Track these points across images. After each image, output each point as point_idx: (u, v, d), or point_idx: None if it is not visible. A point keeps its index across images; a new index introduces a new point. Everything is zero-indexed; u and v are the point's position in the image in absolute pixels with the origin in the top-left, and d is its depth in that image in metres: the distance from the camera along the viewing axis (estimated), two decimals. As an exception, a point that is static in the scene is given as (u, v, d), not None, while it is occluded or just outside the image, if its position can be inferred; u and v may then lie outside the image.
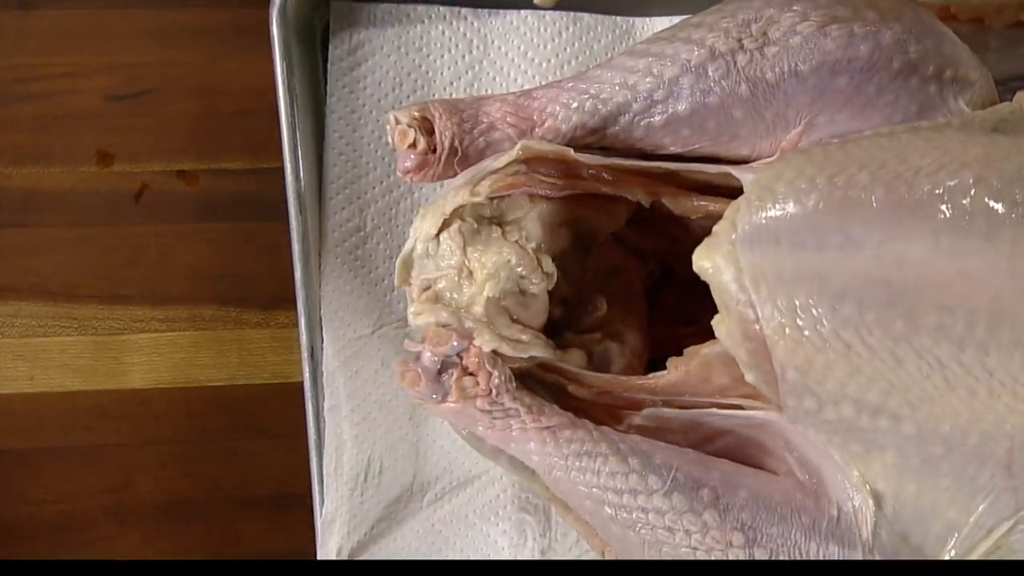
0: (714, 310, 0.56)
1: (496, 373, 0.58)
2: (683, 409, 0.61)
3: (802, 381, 0.52)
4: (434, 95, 0.83)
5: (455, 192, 0.61)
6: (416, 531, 0.79)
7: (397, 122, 0.64)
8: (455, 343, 0.58)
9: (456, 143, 0.64)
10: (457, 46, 0.83)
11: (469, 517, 0.79)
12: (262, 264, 0.85)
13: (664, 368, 0.62)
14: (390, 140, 0.65)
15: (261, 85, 0.83)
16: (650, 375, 0.61)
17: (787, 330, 0.51)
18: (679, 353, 0.62)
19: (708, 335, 0.58)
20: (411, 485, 0.80)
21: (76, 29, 0.85)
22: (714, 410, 0.60)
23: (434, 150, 0.64)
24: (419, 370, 0.58)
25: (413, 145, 0.64)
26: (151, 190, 0.86)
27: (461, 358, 0.58)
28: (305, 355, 0.77)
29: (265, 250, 0.85)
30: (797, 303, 0.50)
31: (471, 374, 0.58)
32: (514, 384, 0.59)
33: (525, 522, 0.79)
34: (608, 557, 0.66)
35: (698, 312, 0.61)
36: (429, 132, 0.64)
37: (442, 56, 0.83)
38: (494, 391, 0.57)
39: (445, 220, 0.61)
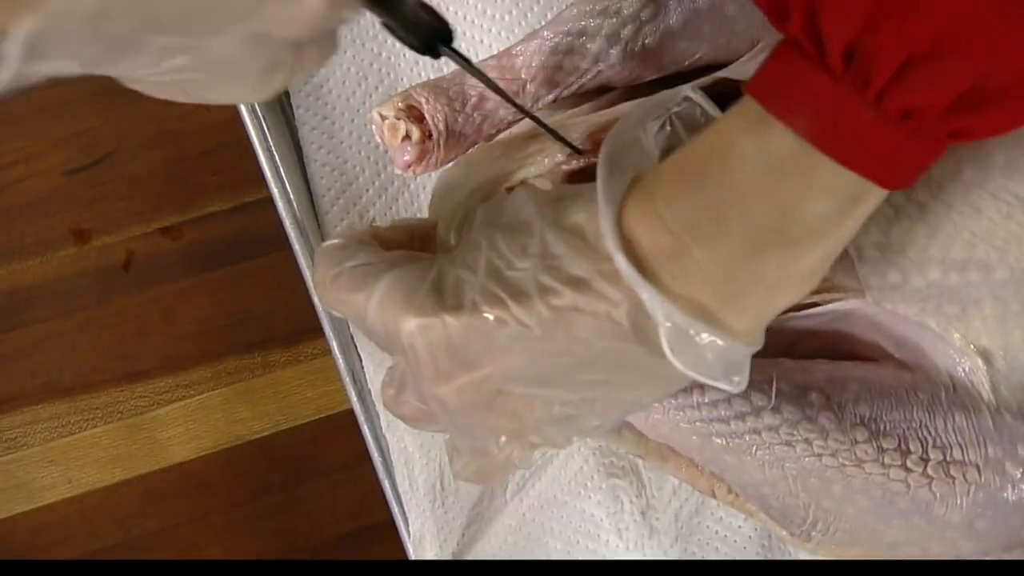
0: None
1: None
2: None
3: (881, 256, 0.53)
4: (402, 79, 0.83)
5: None
6: (508, 526, 0.80)
7: (383, 118, 0.64)
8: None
9: (451, 124, 0.64)
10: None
11: (558, 497, 0.80)
12: (274, 300, 0.86)
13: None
14: (380, 139, 0.65)
15: (222, 117, 0.84)
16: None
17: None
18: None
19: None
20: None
21: (16, 111, 0.85)
22: (792, 314, 0.61)
23: (430, 136, 0.64)
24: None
25: (407, 137, 0.64)
26: (138, 256, 0.86)
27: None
28: (347, 380, 0.77)
29: (273, 285, 0.86)
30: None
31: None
32: None
33: (617, 487, 0.80)
34: (719, 496, 0.67)
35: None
36: (419, 119, 0.64)
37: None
38: None
39: None
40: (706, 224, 0.42)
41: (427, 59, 0.81)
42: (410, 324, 0.44)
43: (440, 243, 0.54)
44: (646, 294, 0.43)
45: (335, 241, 0.50)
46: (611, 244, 0.43)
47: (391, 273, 0.46)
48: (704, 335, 0.44)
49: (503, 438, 0.49)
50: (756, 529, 0.80)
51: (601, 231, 0.44)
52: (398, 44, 0.81)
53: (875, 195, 0.41)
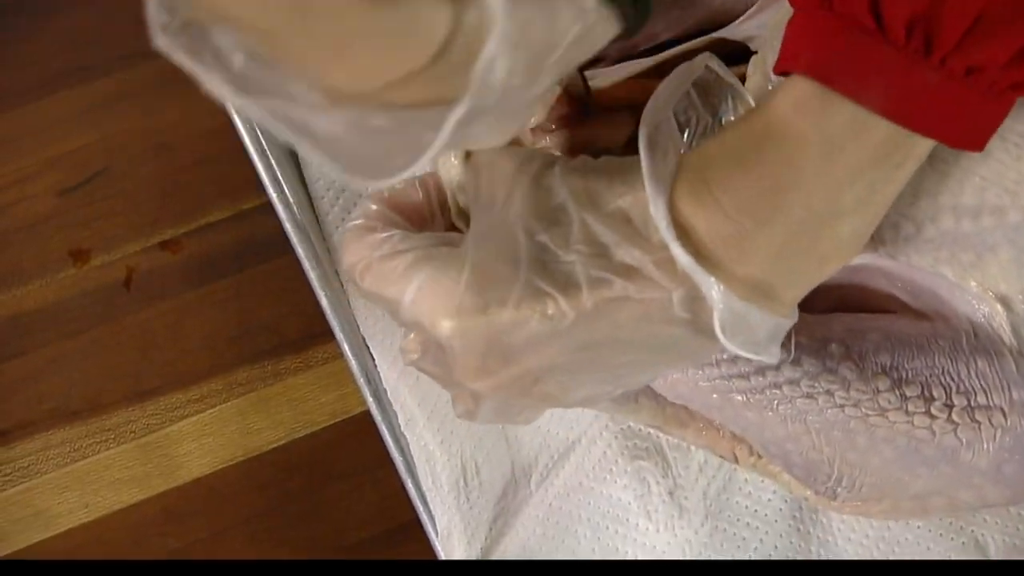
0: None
1: None
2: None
3: (893, 209, 0.54)
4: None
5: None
6: (536, 517, 0.81)
7: None
8: None
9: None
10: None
11: (584, 484, 0.81)
12: (280, 307, 0.87)
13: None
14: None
15: (212, 126, 0.85)
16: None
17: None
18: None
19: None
20: (512, 474, 0.82)
21: (4, 134, 0.87)
22: (807, 273, 0.62)
23: None
24: None
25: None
26: (139, 272, 0.87)
27: None
28: (362, 381, 0.78)
29: (278, 291, 0.87)
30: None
31: None
32: None
33: (643, 469, 0.81)
34: (741, 459, 0.68)
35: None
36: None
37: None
38: None
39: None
40: (766, 207, 0.44)
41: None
42: (449, 324, 0.45)
43: (453, 206, 0.53)
44: (706, 283, 0.44)
45: (358, 222, 0.50)
46: (668, 234, 0.44)
47: (426, 268, 0.46)
48: (759, 315, 0.45)
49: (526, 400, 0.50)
50: (786, 501, 0.81)
51: (654, 220, 0.45)
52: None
53: (918, 157, 0.44)
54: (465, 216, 0.53)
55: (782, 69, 0.44)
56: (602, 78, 0.63)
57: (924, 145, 0.42)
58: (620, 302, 0.45)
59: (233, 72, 0.35)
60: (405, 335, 0.52)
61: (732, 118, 0.50)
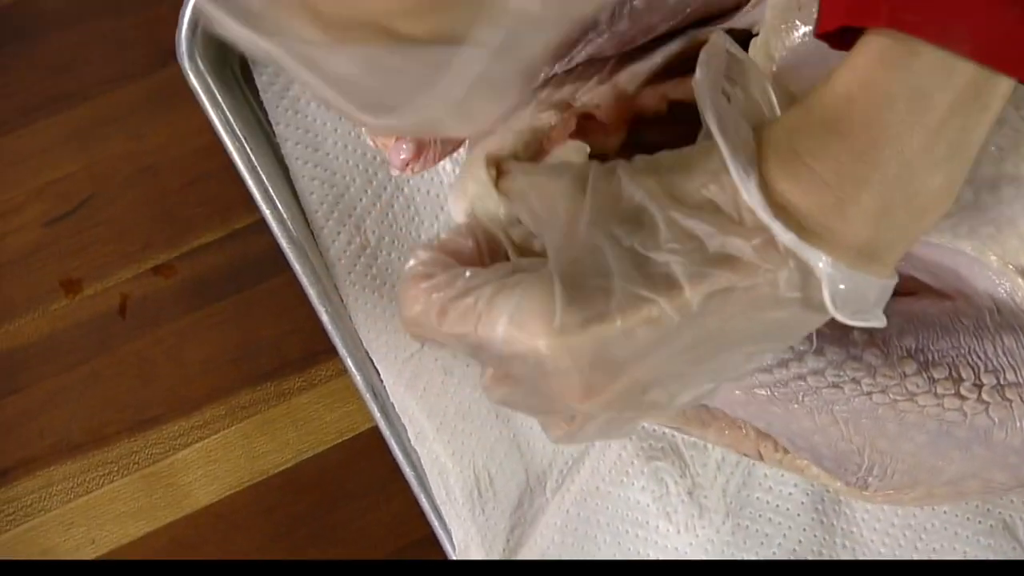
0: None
1: None
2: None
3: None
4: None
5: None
6: (554, 524, 0.81)
7: None
8: None
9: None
10: (383, 22, 0.85)
11: (601, 488, 0.81)
12: (280, 326, 0.87)
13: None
14: (371, 142, 0.66)
15: (199, 145, 0.85)
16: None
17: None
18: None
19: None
20: (527, 482, 0.82)
21: (-15, 167, 0.86)
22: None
23: None
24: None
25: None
26: (133, 299, 0.87)
27: None
28: (368, 396, 0.78)
29: (277, 310, 0.87)
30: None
31: None
32: None
33: (660, 470, 0.81)
34: (766, 457, 0.68)
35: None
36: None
37: (372, 38, 0.84)
38: None
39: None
40: (863, 168, 0.43)
41: (404, 57, 0.82)
42: (551, 345, 0.44)
43: (508, 243, 0.52)
44: (813, 257, 0.44)
45: (416, 268, 0.49)
46: (765, 214, 0.44)
47: (512, 295, 0.45)
48: (867, 281, 0.45)
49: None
50: (808, 494, 0.81)
51: (747, 202, 0.45)
52: (372, 46, 0.82)
53: (1003, 98, 0.44)
54: (524, 250, 0.52)
55: (833, 27, 0.43)
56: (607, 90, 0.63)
57: (1007, 85, 0.43)
58: (725, 294, 0.45)
59: (249, 12, 0.36)
60: (483, 372, 0.52)
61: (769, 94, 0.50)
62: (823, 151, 0.44)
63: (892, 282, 0.47)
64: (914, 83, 0.42)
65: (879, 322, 0.47)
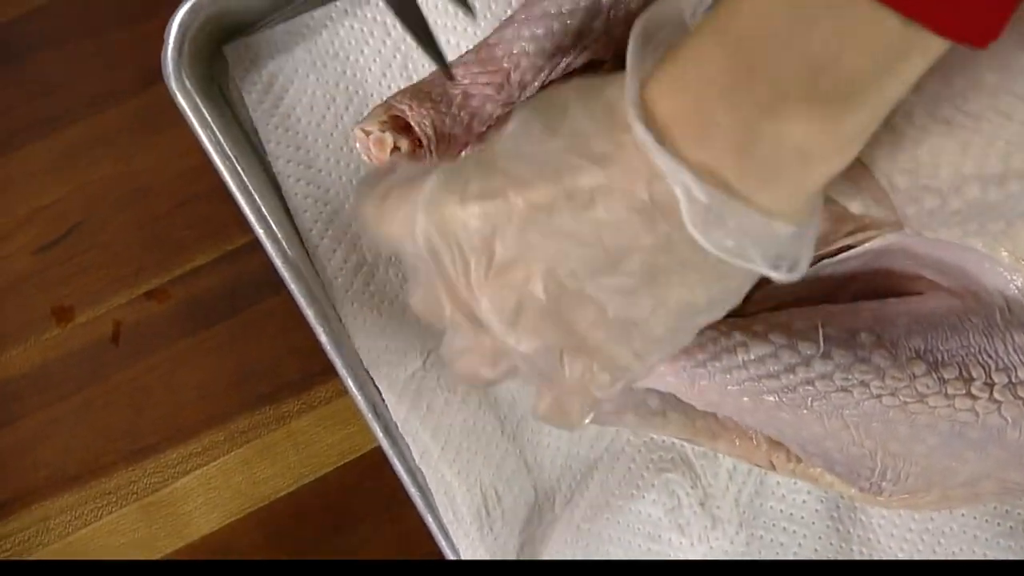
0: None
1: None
2: (791, 279, 0.63)
3: (914, 182, 0.54)
4: (372, 95, 0.85)
5: None
6: (564, 541, 0.81)
7: (367, 134, 0.65)
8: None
9: (439, 127, 0.65)
10: (373, 34, 0.85)
11: (611, 502, 0.82)
12: (277, 348, 0.87)
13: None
14: (366, 157, 0.66)
15: (189, 166, 0.85)
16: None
17: (880, 136, 0.52)
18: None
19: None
20: (536, 499, 0.82)
21: (-28, 196, 0.87)
22: (825, 261, 0.62)
23: (420, 144, 0.65)
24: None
25: (396, 149, 0.65)
26: (126, 325, 0.87)
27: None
28: (370, 416, 0.79)
29: (273, 332, 0.87)
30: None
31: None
32: None
33: (671, 481, 0.81)
34: (779, 466, 0.68)
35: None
36: (405, 129, 0.66)
37: (362, 52, 0.85)
38: None
39: None
40: (729, 79, 0.41)
41: (395, 70, 0.83)
42: (422, 219, 0.47)
43: None
44: (660, 158, 0.43)
45: (370, 172, 0.53)
46: (630, 111, 0.43)
47: (434, 174, 0.48)
48: (728, 206, 0.43)
49: (565, 357, 0.49)
50: (822, 501, 0.81)
51: (625, 99, 0.44)
52: (362, 59, 0.82)
53: (922, 52, 0.40)
54: None
55: None
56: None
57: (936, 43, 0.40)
58: (597, 193, 0.44)
59: None
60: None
61: None
62: (697, 56, 0.43)
63: (782, 228, 0.44)
64: (803, 3, 0.39)
65: (773, 271, 0.46)
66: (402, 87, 0.70)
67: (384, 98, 0.70)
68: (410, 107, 0.65)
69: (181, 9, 0.79)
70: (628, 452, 0.82)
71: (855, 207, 0.57)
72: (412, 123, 0.65)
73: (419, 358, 0.81)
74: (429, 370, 0.81)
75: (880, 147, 0.53)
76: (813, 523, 0.81)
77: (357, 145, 0.66)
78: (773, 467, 0.68)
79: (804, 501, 0.81)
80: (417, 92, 0.66)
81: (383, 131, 0.64)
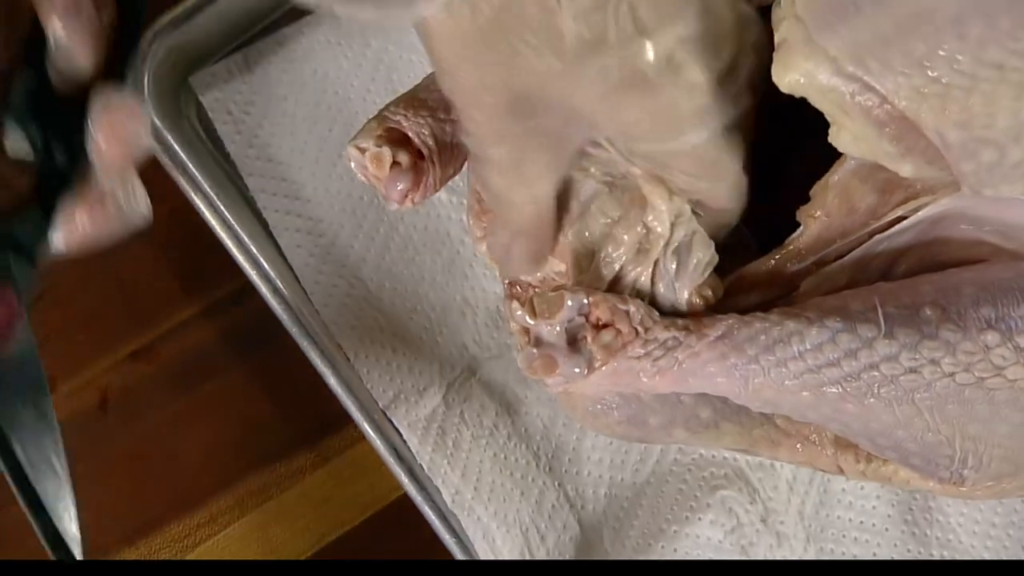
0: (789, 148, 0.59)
1: (634, 308, 0.59)
2: (841, 258, 0.63)
3: (969, 136, 0.54)
4: (356, 113, 0.86)
5: None
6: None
7: (362, 151, 0.65)
8: (570, 302, 0.59)
9: (439, 135, 0.66)
10: (351, 46, 0.86)
11: (665, 530, 0.82)
12: (281, 399, 0.87)
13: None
14: (363, 177, 0.66)
15: (165, 210, 0.86)
16: (787, 240, 0.64)
17: (924, 88, 0.53)
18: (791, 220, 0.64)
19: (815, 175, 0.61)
20: (582, 535, 0.83)
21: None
22: (877, 237, 0.62)
23: (421, 156, 0.65)
24: (550, 352, 0.59)
25: (396, 164, 0.65)
26: (114, 392, 0.88)
27: (586, 316, 0.60)
28: (392, 462, 0.79)
29: (276, 382, 0.87)
30: (918, 53, 0.53)
31: (605, 326, 0.59)
32: (656, 312, 0.60)
33: (727, 499, 0.81)
34: (847, 469, 0.68)
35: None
36: (403, 141, 0.66)
37: (341, 67, 0.86)
38: (641, 329, 0.59)
39: None
40: None
41: (380, 83, 0.84)
42: None
43: None
44: None
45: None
46: None
47: None
48: None
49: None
50: (893, 504, 0.81)
51: None
52: (342, 74, 0.83)
53: None
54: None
55: None
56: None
57: None
58: None
59: None
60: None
61: None
62: None
63: None
64: None
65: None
66: (391, 99, 0.70)
67: (373, 113, 0.71)
68: (406, 117, 0.65)
69: (141, 42, 0.79)
70: (676, 472, 0.82)
71: (905, 170, 0.57)
72: (410, 134, 0.65)
73: (438, 393, 0.82)
74: (452, 405, 0.81)
75: (927, 100, 0.53)
76: (886, 529, 0.81)
77: (351, 165, 0.66)
78: (841, 471, 0.68)
79: (874, 507, 0.81)
80: (412, 100, 0.66)
81: (380, 146, 0.64)
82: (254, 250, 0.80)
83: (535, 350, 0.59)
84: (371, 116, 0.67)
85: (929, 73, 0.53)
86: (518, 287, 0.64)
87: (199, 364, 0.88)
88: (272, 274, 0.80)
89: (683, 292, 0.61)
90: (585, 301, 0.59)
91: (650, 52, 0.52)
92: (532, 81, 0.53)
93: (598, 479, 0.83)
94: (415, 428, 0.80)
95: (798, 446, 0.68)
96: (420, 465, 0.80)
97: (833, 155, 0.59)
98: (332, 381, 0.79)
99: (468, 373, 0.83)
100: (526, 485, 0.82)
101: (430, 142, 0.65)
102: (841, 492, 0.81)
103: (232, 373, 0.88)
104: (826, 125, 0.56)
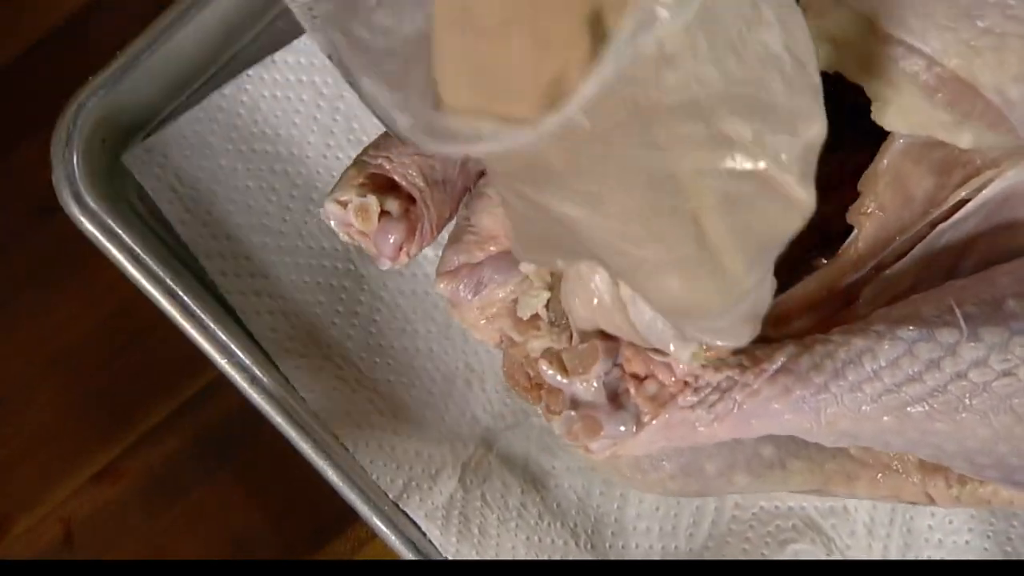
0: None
1: (674, 360, 0.59)
2: (901, 259, 0.63)
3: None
4: (318, 172, 0.85)
5: None
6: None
7: (343, 205, 0.65)
8: (603, 355, 0.58)
9: (428, 174, 0.65)
10: (302, 98, 0.86)
11: (734, 598, 0.81)
12: (272, 504, 0.87)
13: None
14: (347, 236, 0.66)
15: (116, 304, 0.86)
16: (841, 249, 0.63)
17: (975, 41, 0.53)
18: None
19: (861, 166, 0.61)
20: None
21: None
22: (940, 227, 0.62)
23: (412, 200, 0.65)
24: (590, 412, 0.58)
25: (385, 214, 0.64)
26: (77, 522, 0.87)
27: (621, 367, 0.59)
28: (411, 557, 0.78)
29: (265, 485, 0.87)
30: (963, 2, 0.53)
31: (647, 377, 0.59)
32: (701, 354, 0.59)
33: (799, 553, 0.81)
34: (938, 498, 0.68)
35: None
36: (389, 187, 0.65)
37: (294, 123, 0.86)
38: (690, 376, 0.58)
39: None
40: None
41: (340, 136, 0.83)
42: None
43: None
44: None
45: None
46: None
47: None
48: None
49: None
50: (989, 536, 0.81)
51: None
52: (296, 131, 0.82)
53: None
54: None
55: None
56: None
57: None
58: None
59: None
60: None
61: None
62: None
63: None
64: None
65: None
66: (356, 152, 0.69)
67: (337, 170, 0.70)
68: (388, 159, 0.65)
69: (62, 118, 0.79)
70: (737, 531, 0.82)
71: (965, 140, 0.57)
72: (396, 177, 0.65)
73: (454, 476, 0.81)
74: (471, 488, 0.81)
75: (980, 55, 0.53)
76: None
77: (331, 223, 0.65)
78: (931, 499, 0.68)
79: (967, 542, 0.81)
80: (391, 140, 0.66)
81: (363, 195, 0.64)
82: (223, 337, 0.79)
83: (573, 412, 0.58)
84: (335, 174, 0.66)
85: (979, 24, 0.53)
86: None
87: (172, 478, 0.87)
88: (247, 362, 0.79)
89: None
90: (615, 350, 0.59)
91: None
92: None
93: (648, 551, 0.82)
94: (434, 518, 0.79)
95: (879, 477, 0.68)
96: (444, 558, 0.79)
97: (870, 143, 0.60)
98: (332, 476, 0.78)
99: (484, 449, 0.83)
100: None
101: (419, 183, 0.65)
102: (927, 530, 0.81)
103: (211, 483, 0.87)
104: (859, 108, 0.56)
